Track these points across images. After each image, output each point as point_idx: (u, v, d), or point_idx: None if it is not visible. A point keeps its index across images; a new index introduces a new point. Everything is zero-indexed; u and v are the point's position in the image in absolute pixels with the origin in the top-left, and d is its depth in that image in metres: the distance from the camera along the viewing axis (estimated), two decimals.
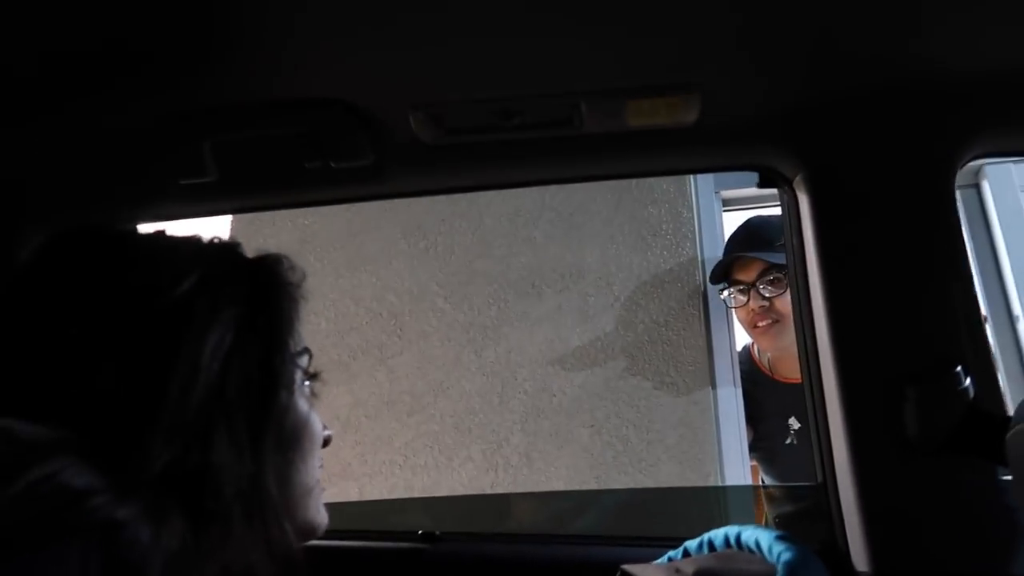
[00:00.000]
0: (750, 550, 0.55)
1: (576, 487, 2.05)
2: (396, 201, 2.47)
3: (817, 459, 0.92)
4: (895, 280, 0.85)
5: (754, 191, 2.48)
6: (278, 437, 0.53)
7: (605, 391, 2.17)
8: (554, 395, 2.20)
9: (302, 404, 0.59)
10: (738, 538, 0.58)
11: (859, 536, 0.83)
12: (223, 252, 0.58)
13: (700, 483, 1.97)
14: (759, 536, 0.54)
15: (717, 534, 0.61)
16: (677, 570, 0.50)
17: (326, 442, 0.64)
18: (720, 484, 1.95)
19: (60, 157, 0.91)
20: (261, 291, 0.56)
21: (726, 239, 2.22)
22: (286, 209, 1.08)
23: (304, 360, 0.60)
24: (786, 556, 0.46)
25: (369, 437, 2.21)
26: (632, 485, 2.02)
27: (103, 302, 0.51)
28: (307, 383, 0.62)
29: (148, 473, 0.46)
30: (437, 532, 1.07)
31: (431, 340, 2.34)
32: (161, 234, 0.59)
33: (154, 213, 1.02)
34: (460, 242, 2.43)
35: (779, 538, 0.50)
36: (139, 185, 0.97)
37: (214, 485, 0.49)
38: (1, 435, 0.43)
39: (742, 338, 2.24)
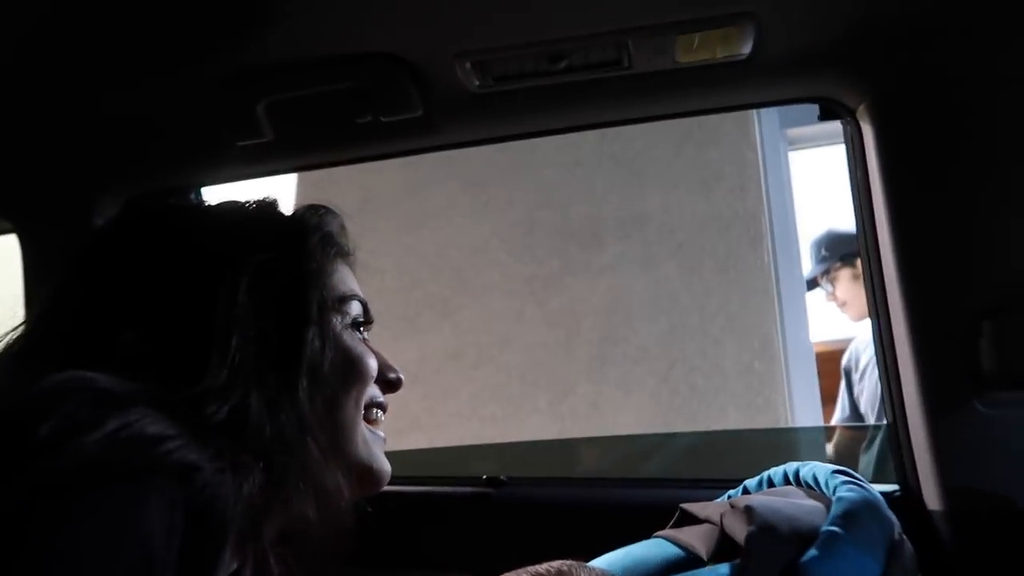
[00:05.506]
0: (808, 485, 0.54)
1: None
2: (455, 156, 2.48)
3: (887, 397, 0.90)
4: (968, 210, 0.81)
5: (823, 127, 2.37)
6: (312, 376, 0.55)
7: (671, 339, 2.15)
8: (618, 344, 2.20)
9: (347, 342, 0.60)
10: (796, 474, 0.57)
11: (930, 475, 0.81)
12: (260, 210, 0.63)
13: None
14: (816, 471, 0.53)
15: (777, 471, 0.61)
16: (732, 506, 0.50)
17: (394, 384, 0.65)
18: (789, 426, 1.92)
19: (124, 127, 0.95)
20: (288, 238, 0.59)
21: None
22: (340, 165, 1.10)
23: (352, 305, 0.62)
24: (842, 491, 0.45)
25: (436, 390, 2.26)
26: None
27: (161, 266, 0.57)
28: (354, 326, 0.62)
29: (211, 420, 0.49)
30: (502, 477, 1.09)
31: (494, 293, 2.36)
32: (207, 204, 0.64)
33: (216, 175, 1.06)
34: (520, 195, 2.42)
35: (837, 472, 0.49)
36: (199, 149, 1.01)
37: (255, 427, 0.51)
38: (83, 384, 0.47)
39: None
